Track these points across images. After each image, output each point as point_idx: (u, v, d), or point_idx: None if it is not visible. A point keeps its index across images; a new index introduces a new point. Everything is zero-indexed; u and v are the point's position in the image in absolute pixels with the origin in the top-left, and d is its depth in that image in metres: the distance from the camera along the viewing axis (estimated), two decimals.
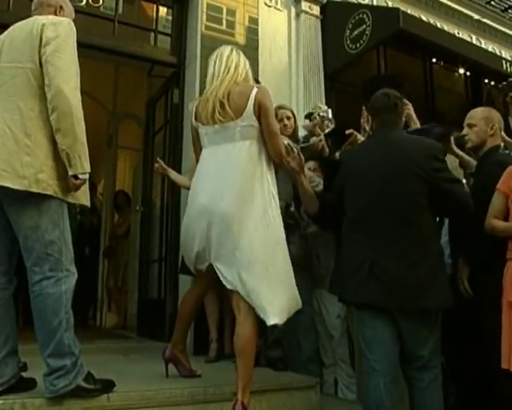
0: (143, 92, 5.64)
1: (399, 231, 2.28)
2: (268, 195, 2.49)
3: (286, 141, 3.32)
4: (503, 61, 5.42)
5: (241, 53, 2.65)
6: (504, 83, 3.04)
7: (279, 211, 2.53)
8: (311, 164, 3.46)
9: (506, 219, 2.46)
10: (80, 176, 2.16)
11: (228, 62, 2.56)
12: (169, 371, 2.71)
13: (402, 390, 2.48)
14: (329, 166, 2.98)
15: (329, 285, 2.58)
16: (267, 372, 2.92)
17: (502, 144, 2.87)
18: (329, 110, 3.75)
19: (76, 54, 2.25)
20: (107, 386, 2.29)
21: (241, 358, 2.35)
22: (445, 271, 2.41)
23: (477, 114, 2.91)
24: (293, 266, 3.47)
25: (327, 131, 3.37)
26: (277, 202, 2.53)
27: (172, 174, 3.57)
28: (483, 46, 6.13)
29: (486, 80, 5.98)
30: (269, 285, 2.37)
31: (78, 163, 2.14)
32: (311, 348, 3.58)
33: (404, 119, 2.71)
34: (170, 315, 4.00)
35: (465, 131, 2.90)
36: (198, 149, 2.68)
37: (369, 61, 5.52)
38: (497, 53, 6.05)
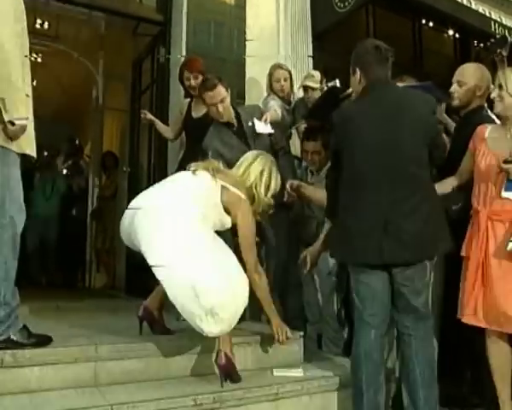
0: (130, 52, 5.54)
1: (408, 187, 2.28)
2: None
3: (277, 108, 3.31)
4: (492, 22, 5.39)
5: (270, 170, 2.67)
6: (492, 40, 3.00)
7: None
8: (310, 145, 3.43)
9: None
10: (17, 122, 2.14)
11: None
12: None
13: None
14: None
15: (333, 251, 2.57)
16: (252, 326, 2.97)
17: (485, 104, 2.86)
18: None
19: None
20: (43, 341, 2.28)
21: None
22: (446, 218, 2.43)
23: (468, 72, 2.84)
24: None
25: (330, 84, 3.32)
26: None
27: (158, 124, 3.78)
28: (473, 7, 6.06)
29: (475, 42, 5.95)
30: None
31: (13, 108, 2.13)
32: (296, 306, 3.65)
33: None
34: None
35: (453, 88, 2.85)
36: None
37: (358, 22, 5.47)
38: (487, 14, 5.98)
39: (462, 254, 2.49)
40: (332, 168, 2.67)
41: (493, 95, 2.51)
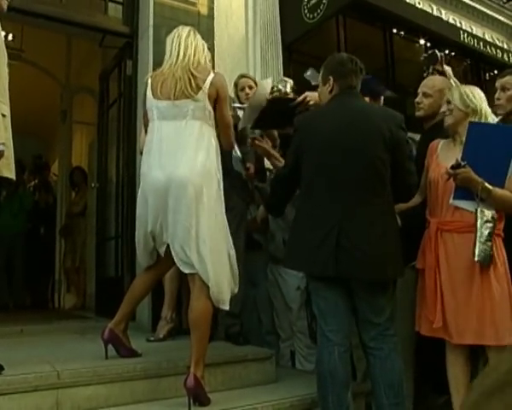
0: (97, 64, 5.44)
1: (365, 201, 2.23)
2: (217, 177, 2.47)
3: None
4: (461, 32, 5.44)
5: (198, 35, 2.63)
6: (425, 55, 3.03)
7: (222, 196, 2.51)
8: None
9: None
10: None
11: (187, 48, 2.53)
12: None
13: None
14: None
15: (286, 259, 2.48)
16: (222, 346, 2.90)
17: None
18: (287, 83, 3.60)
19: None
20: None
21: (194, 331, 2.32)
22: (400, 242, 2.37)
23: (434, 84, 2.90)
24: (251, 239, 3.47)
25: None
26: (222, 188, 2.51)
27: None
28: (443, 17, 6.12)
29: (447, 51, 5.99)
30: (223, 268, 2.37)
31: None
32: (269, 321, 3.58)
33: None
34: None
35: (419, 98, 2.89)
36: (147, 121, 2.62)
37: (328, 32, 5.46)
38: (458, 24, 6.04)
39: (417, 266, 2.50)
40: (284, 166, 2.60)
41: (443, 109, 2.57)
